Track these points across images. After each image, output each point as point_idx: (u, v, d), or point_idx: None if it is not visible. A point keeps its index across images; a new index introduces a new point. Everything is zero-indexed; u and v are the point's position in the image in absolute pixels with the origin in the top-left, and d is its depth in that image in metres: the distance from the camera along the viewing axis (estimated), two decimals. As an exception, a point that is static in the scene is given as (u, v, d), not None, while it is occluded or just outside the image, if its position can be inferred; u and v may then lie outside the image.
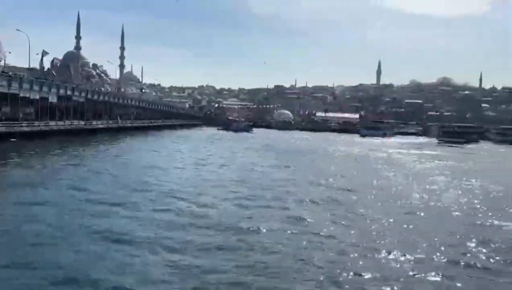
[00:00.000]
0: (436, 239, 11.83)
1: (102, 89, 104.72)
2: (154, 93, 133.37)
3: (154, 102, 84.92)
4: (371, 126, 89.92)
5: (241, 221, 13.04)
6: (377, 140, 72.62)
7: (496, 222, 14.40)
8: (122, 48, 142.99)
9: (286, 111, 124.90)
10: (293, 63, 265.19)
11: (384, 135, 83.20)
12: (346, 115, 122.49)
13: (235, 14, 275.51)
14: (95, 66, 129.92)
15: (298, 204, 16.11)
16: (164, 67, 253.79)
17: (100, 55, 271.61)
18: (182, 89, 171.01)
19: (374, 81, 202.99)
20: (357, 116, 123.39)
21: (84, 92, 53.41)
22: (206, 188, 18.90)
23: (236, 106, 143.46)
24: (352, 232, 12.36)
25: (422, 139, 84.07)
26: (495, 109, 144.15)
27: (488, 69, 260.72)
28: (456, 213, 15.66)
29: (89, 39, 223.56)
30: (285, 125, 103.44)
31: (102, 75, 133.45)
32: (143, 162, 28.35)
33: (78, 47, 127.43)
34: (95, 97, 55.37)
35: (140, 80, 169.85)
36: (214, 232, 11.87)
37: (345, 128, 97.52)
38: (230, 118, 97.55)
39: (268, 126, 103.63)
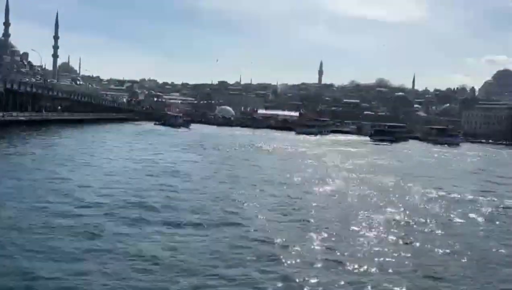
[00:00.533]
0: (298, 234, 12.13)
1: (34, 79, 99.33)
2: (90, 85, 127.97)
3: (85, 94, 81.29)
4: (306, 124, 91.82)
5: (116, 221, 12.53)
6: (311, 138, 74.38)
7: (372, 216, 14.86)
8: (56, 37, 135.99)
9: (228, 108, 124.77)
10: (239, 59, 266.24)
11: (318, 133, 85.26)
12: (286, 113, 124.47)
13: (182, 6, 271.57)
14: (25, 55, 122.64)
15: (185, 198, 15.98)
16: (106, 59, 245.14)
17: (34, 44, 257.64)
18: (122, 82, 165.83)
19: (316, 81, 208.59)
20: (297, 114, 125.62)
21: (2, 81, 50.03)
22: (101, 184, 18.19)
23: (178, 101, 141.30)
24: (221, 226, 12.41)
25: (355, 137, 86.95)
26: (427, 110, 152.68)
27: (422, 72, 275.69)
28: (337, 207, 16.17)
29: (21, 26, 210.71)
30: (225, 121, 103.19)
31: (35, 64, 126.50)
32: (54, 157, 26.93)
33: (6, 34, 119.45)
34: (15, 87, 52.03)
35: (78, 71, 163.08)
36: (86, 233, 11.19)
37: (284, 125, 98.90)
38: (168, 113, 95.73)
39: (208, 122, 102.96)
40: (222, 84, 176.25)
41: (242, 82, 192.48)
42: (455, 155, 55.31)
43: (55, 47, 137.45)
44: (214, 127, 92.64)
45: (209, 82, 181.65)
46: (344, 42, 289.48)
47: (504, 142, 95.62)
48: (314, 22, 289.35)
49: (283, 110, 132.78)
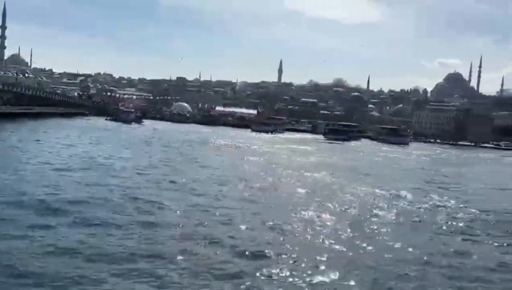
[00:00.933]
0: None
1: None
2: (39, 78, 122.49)
3: (31, 87, 77.50)
4: (263, 122, 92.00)
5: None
6: (266, 135, 74.49)
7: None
8: (3, 28, 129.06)
9: (185, 104, 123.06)
10: (199, 56, 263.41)
11: (274, 131, 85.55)
12: (245, 110, 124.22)
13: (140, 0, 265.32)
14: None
15: (105, 196, 15.27)
16: (61, 52, 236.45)
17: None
18: (75, 76, 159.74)
19: (276, 79, 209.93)
20: (255, 112, 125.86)
21: None
22: (17, 179, 17.16)
23: (133, 96, 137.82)
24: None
25: (309, 136, 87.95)
26: (381, 110, 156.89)
27: (378, 73, 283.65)
28: (261, 205, 16.00)
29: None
30: (180, 118, 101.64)
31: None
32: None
33: None
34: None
35: (29, 63, 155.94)
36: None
37: (241, 123, 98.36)
38: (121, 108, 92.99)
39: (163, 118, 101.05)
40: (181, 80, 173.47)
41: (202, 79, 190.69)
42: (401, 153, 56.92)
43: (2, 38, 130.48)
44: (169, 123, 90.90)
45: (168, 78, 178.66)
46: (305, 41, 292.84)
47: (451, 142, 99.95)
48: (276, 21, 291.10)
49: (242, 108, 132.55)
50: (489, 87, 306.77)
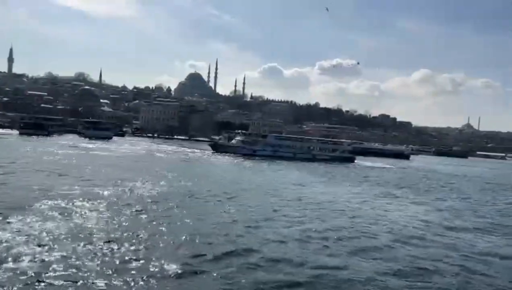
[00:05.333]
0: None
1: None
2: None
3: None
4: None
5: None
6: None
7: None
8: None
9: None
10: None
11: None
12: None
13: None
14: None
15: None
16: None
17: None
18: None
19: (5, 69, 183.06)
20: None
21: None
22: None
23: None
24: None
25: (3, 131, 75.62)
26: (119, 106, 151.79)
27: (128, 69, 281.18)
28: None
29: None
30: None
31: None
32: None
33: None
34: None
35: None
36: None
37: None
38: None
39: None
40: None
41: None
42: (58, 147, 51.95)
43: None
44: None
45: None
46: (50, 31, 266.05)
47: (168, 136, 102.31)
48: (13, 5, 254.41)
49: None
50: (225, 88, 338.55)
